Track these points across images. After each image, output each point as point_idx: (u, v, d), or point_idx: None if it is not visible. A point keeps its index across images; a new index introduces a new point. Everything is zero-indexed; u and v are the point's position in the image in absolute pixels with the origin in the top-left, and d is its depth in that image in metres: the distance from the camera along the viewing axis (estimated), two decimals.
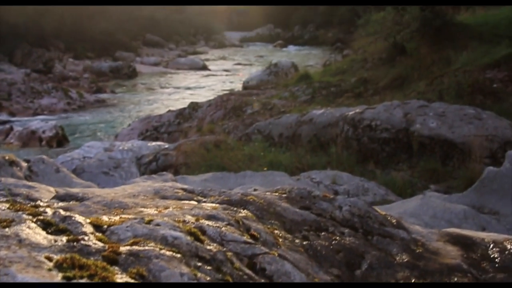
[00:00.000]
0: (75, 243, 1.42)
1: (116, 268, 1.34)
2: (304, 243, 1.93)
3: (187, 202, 2.09)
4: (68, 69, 29.37)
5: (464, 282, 1.90)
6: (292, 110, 12.06)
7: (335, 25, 50.16)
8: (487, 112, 7.96)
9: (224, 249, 1.62)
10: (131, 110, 20.31)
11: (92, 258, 1.35)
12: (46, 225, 1.52)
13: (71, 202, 1.95)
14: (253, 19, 59.40)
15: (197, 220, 1.75)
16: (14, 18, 28.76)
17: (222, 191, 2.28)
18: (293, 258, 1.75)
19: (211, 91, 23.81)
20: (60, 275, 1.23)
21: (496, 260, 2.13)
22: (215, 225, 1.75)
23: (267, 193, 2.41)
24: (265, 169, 7.47)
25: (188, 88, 25.78)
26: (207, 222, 1.75)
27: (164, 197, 2.16)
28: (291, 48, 48.08)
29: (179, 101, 21.34)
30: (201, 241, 1.60)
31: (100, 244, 1.45)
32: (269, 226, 1.95)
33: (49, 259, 1.29)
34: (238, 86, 24.00)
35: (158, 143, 11.04)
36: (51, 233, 1.48)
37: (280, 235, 1.92)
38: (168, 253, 1.46)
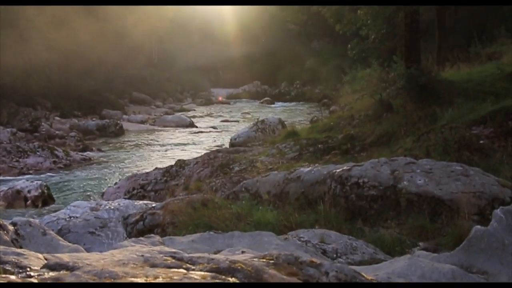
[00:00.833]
0: None
1: None
2: None
3: (176, 270, 2.07)
4: (55, 127, 29.37)
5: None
6: (280, 167, 12.06)
7: (322, 82, 50.82)
8: (474, 169, 8.01)
9: None
10: (118, 168, 20.24)
11: None
12: None
13: (61, 272, 1.93)
14: (239, 76, 59.94)
15: None
16: (1, 78, 28.90)
17: (211, 258, 2.26)
18: None
19: (198, 148, 23.83)
20: None
21: None
22: None
23: (254, 259, 2.40)
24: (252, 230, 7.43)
25: (175, 146, 25.79)
26: None
27: (154, 265, 2.13)
28: (278, 104, 48.49)
29: (166, 159, 21.33)
30: None
31: None
32: None
33: None
34: (225, 143, 24.08)
35: (145, 201, 10.96)
36: None
37: None
38: None
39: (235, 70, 61.72)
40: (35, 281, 1.63)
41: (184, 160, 15.55)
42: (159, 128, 32.60)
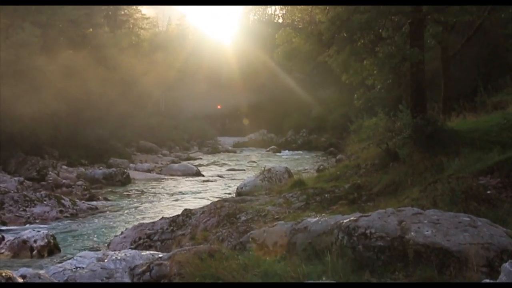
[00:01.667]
0: None
1: None
2: None
3: None
4: (62, 176, 29.47)
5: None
6: (287, 217, 12.04)
7: (328, 130, 51.15)
8: (482, 220, 7.96)
9: None
10: (124, 217, 20.22)
11: None
12: None
13: None
14: (246, 125, 60.32)
15: None
16: (10, 127, 29.20)
17: None
18: None
19: (205, 197, 23.85)
20: None
21: None
22: None
23: None
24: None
25: (182, 195, 25.79)
26: None
27: None
28: (285, 152, 48.63)
29: (173, 208, 21.31)
30: None
31: None
32: None
33: None
34: (232, 192, 24.07)
35: (151, 252, 10.95)
36: None
37: None
38: None
39: (241, 118, 62.17)
40: None
41: (190, 210, 15.51)
42: (166, 177, 32.66)
